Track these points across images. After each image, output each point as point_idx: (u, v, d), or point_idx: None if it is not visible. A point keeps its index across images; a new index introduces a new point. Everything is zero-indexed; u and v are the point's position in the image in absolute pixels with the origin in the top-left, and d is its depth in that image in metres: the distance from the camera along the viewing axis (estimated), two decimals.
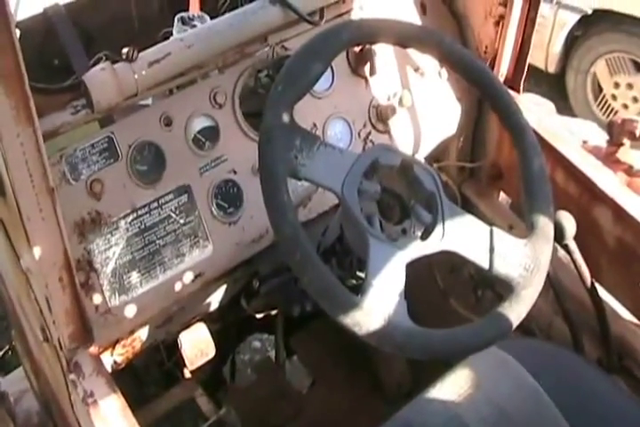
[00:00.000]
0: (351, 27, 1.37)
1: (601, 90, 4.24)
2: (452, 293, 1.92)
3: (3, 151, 1.06)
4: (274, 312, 1.82)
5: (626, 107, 4.15)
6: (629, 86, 4.11)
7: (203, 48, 1.47)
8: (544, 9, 3.88)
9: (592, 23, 4.08)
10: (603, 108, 4.24)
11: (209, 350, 1.65)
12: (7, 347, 2.58)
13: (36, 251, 1.17)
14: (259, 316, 1.78)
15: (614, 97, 4.19)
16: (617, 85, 4.16)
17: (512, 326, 1.26)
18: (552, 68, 4.29)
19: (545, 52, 4.23)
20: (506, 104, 1.43)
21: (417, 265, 1.26)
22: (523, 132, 1.41)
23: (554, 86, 4.37)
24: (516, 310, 1.27)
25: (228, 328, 2.00)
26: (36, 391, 1.90)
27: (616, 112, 4.17)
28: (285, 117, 1.22)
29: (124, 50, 1.38)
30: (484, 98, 1.52)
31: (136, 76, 1.37)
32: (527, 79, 1.83)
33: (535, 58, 4.06)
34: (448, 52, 1.44)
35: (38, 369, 1.66)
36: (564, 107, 4.21)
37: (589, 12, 4.02)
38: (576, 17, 4.07)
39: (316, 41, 1.32)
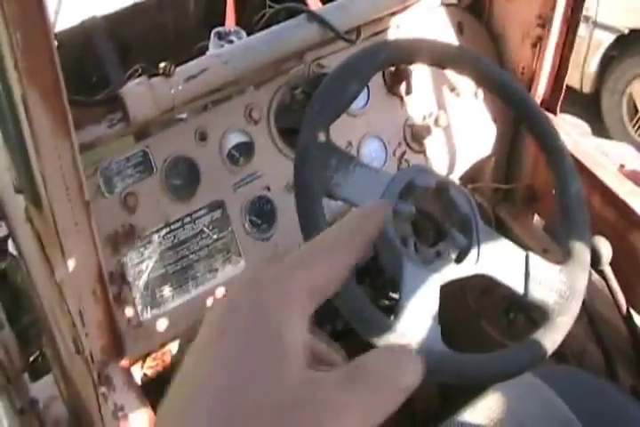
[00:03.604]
0: (389, 47, 1.37)
1: (636, 111, 4.21)
2: (483, 314, 1.90)
3: (40, 164, 1.06)
4: None
5: None
6: None
7: (239, 64, 1.48)
8: (579, 29, 3.87)
9: (628, 43, 4.06)
10: (638, 129, 4.21)
11: None
12: (37, 353, 2.58)
13: (71, 263, 1.17)
14: None
15: None
16: None
17: (547, 354, 1.24)
18: (587, 89, 4.28)
19: (580, 73, 4.21)
20: (542, 127, 1.42)
21: (449, 285, 1.25)
22: (560, 155, 1.39)
23: (588, 107, 4.35)
24: (550, 338, 1.25)
25: None
26: (66, 399, 1.90)
27: None
28: (322, 137, 1.22)
29: (161, 64, 1.38)
30: (520, 120, 1.51)
31: (172, 91, 1.38)
32: (563, 100, 1.82)
33: (570, 78, 4.01)
34: (485, 74, 1.43)
35: (68, 377, 1.66)
36: (599, 127, 4.19)
37: (626, 31, 4.00)
38: (612, 37, 4.06)
39: (353, 61, 1.31)
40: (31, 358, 2.52)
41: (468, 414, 1.41)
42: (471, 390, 1.45)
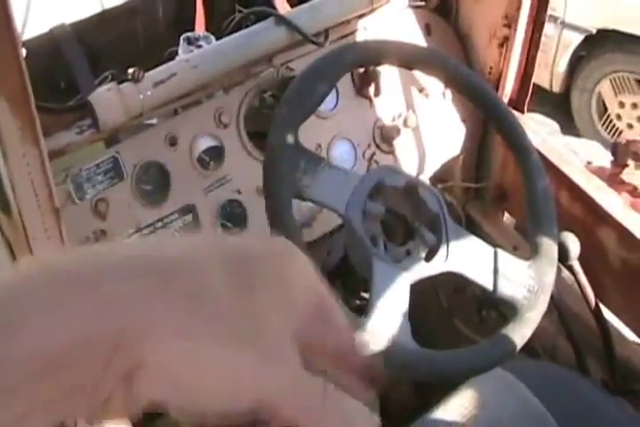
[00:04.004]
0: (356, 48, 1.38)
1: (606, 109, 4.24)
2: (455, 312, 1.91)
3: (9, 171, 1.06)
4: None
5: (630, 126, 4.16)
6: (634, 106, 4.13)
7: (208, 69, 1.48)
8: (548, 29, 3.89)
9: (596, 43, 4.10)
10: (607, 127, 4.24)
11: None
12: None
13: None
14: None
15: (619, 117, 4.20)
16: (622, 105, 4.17)
17: (516, 349, 1.25)
18: (557, 88, 4.30)
19: (550, 72, 4.24)
20: (510, 125, 1.44)
21: (421, 285, 1.26)
22: (527, 153, 1.41)
23: (558, 106, 4.38)
24: (520, 333, 1.27)
25: None
26: None
27: (621, 132, 4.17)
28: (290, 139, 1.23)
29: (130, 70, 1.38)
30: (488, 119, 1.53)
31: (141, 97, 1.38)
32: (532, 99, 1.84)
33: (540, 77, 4.07)
34: (452, 74, 1.44)
35: None
36: (569, 126, 4.21)
37: (594, 31, 4.03)
38: (580, 37, 4.09)
39: (320, 63, 1.32)
40: None
41: (440, 412, 1.41)
42: (446, 387, 1.46)
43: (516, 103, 1.83)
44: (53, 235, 1.15)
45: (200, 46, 1.64)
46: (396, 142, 1.72)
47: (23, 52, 1.00)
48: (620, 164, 2.58)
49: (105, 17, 1.76)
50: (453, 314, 1.91)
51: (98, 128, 1.35)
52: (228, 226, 1.52)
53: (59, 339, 0.37)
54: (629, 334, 1.67)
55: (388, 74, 1.70)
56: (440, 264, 1.28)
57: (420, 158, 1.78)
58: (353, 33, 1.70)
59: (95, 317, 0.38)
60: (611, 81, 4.14)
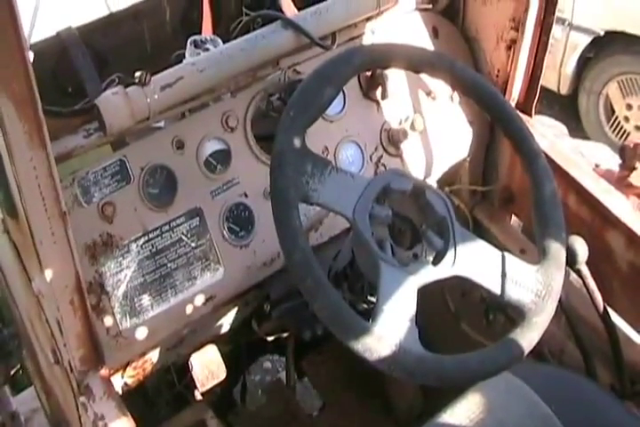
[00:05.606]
0: (362, 52, 1.37)
1: (613, 111, 4.24)
2: (463, 316, 1.91)
3: (15, 175, 1.06)
4: (285, 335, 1.81)
5: (638, 128, 4.15)
6: None
7: (215, 72, 1.48)
8: (556, 31, 3.88)
9: (604, 45, 4.09)
10: (615, 129, 4.24)
11: (220, 372, 1.64)
12: (18, 366, 2.57)
13: (48, 274, 1.17)
14: (270, 338, 1.78)
15: (627, 118, 4.19)
16: (629, 107, 4.16)
17: (523, 353, 1.25)
18: (564, 90, 4.30)
19: (557, 74, 4.24)
20: (517, 129, 1.43)
21: (428, 288, 1.26)
22: (535, 157, 1.40)
23: (566, 108, 4.38)
24: (527, 337, 1.26)
25: (239, 350, 2.00)
26: (47, 411, 1.90)
27: (628, 133, 4.16)
28: (297, 143, 1.22)
29: (137, 74, 1.39)
30: (495, 123, 1.52)
31: (148, 100, 1.38)
32: (539, 101, 1.83)
33: (547, 79, 4.06)
34: (459, 77, 1.44)
35: (49, 389, 1.66)
36: (576, 128, 4.21)
37: (601, 33, 4.03)
38: (588, 39, 4.08)
39: (327, 66, 1.32)
40: (12, 372, 2.52)
41: (447, 416, 1.41)
42: (453, 391, 1.45)
43: (524, 106, 1.82)
44: (60, 239, 1.15)
45: (207, 49, 1.63)
46: (404, 145, 1.72)
47: (31, 55, 1.00)
48: (628, 167, 2.57)
49: (112, 20, 1.76)
50: (461, 318, 1.91)
51: (105, 132, 1.35)
52: (234, 229, 1.52)
53: None
54: (637, 338, 1.66)
55: (396, 77, 1.69)
56: (447, 268, 1.27)
57: (428, 161, 1.77)
58: (360, 36, 1.70)
59: None
60: (618, 83, 4.13)
